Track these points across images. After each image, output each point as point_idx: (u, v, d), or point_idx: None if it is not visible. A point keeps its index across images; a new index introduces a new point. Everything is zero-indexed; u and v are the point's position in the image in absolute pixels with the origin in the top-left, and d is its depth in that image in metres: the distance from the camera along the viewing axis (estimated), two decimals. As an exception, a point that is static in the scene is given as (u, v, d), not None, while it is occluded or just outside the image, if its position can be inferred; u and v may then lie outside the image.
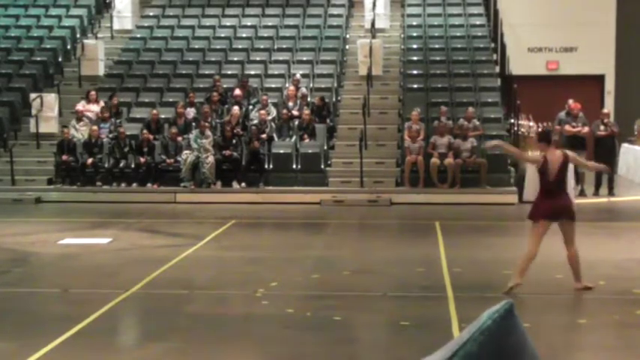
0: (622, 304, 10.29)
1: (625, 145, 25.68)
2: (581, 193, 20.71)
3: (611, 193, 21.02)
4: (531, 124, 21.53)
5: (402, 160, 20.73)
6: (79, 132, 21.68)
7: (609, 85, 27.96)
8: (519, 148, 21.14)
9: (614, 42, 27.77)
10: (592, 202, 20.10)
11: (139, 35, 26.48)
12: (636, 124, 25.82)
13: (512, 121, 21.95)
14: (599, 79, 28.00)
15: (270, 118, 21.74)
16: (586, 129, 21.38)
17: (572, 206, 11.09)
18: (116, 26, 26.89)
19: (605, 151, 21.23)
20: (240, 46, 25.42)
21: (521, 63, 26.01)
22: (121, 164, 20.91)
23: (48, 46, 25.50)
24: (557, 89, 25.94)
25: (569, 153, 11.13)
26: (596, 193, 21.03)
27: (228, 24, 26.64)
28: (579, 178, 20.80)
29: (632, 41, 27.41)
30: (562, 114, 21.73)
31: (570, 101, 21.87)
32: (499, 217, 17.83)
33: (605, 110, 23.13)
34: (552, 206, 10.76)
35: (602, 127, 21.52)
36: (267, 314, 9.76)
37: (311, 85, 23.43)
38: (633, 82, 27.18)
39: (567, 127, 21.34)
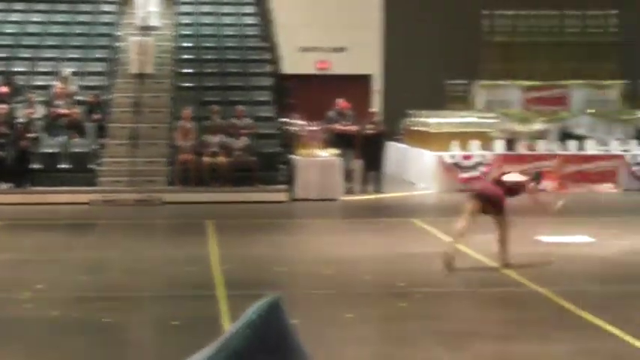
0: (387, 297, 10.62)
1: (392, 144, 26.50)
2: (349, 191, 21.21)
3: (377, 190, 21.64)
4: (302, 122, 21.87)
5: (173, 159, 20.61)
6: None
7: (376, 85, 28.79)
8: (292, 146, 21.50)
9: (380, 43, 28.62)
10: (360, 199, 20.63)
11: None
12: (402, 122, 26.71)
13: (284, 119, 22.23)
14: (367, 79, 28.80)
15: (37, 116, 21.13)
16: (355, 127, 21.93)
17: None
18: None
19: (372, 149, 21.84)
20: (4, 43, 24.56)
21: (293, 62, 26.36)
22: None
23: None
24: (328, 88, 26.44)
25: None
26: (364, 190, 21.59)
27: (-8, 19, 25.68)
28: (349, 176, 21.30)
29: (398, 42, 28.31)
30: (332, 112, 22.20)
31: (340, 100, 22.37)
32: (271, 214, 18.02)
33: (373, 109, 23.79)
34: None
35: (370, 126, 22.13)
36: (35, 318, 9.49)
37: (81, 82, 22.92)
38: (399, 82, 28.06)
39: (337, 126, 21.81)
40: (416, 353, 8.28)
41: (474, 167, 22.22)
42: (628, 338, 8.51)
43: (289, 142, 21.43)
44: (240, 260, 12.78)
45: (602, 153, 22.95)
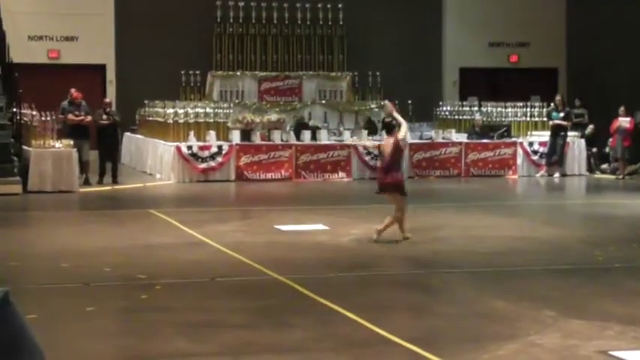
0: (128, 289, 10.51)
1: (127, 134, 26.22)
2: (86, 182, 20.83)
3: (115, 181, 21.36)
4: (34, 112, 21.20)
5: None
6: None
7: (110, 75, 28.34)
8: (24, 136, 20.83)
9: (113, 32, 28.19)
10: (96, 190, 20.30)
11: None
12: (137, 113, 26.47)
13: (14, 110, 21.49)
14: (101, 69, 28.30)
15: None
16: (89, 118, 21.52)
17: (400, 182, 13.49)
18: None
19: (107, 140, 21.54)
20: None
21: (22, 51, 25.52)
22: None
23: None
24: (60, 78, 25.79)
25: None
26: (101, 182, 21.25)
27: None
28: (84, 167, 20.89)
29: (131, 32, 27.99)
30: (65, 103, 21.67)
31: (72, 90, 21.87)
32: (4, 207, 17.40)
33: (107, 99, 23.42)
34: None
35: (104, 116, 21.77)
36: None
37: None
38: (133, 72, 27.77)
39: (70, 116, 21.32)
40: (158, 345, 8.24)
41: (211, 157, 22.34)
42: (364, 322, 8.83)
43: (21, 133, 20.77)
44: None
45: (334, 143, 23.65)
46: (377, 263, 12.24)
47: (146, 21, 28.06)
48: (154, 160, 23.65)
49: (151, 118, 25.07)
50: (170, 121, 23.23)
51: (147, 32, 28.02)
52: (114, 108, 23.27)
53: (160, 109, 24.40)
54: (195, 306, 9.76)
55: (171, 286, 10.65)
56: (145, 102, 25.95)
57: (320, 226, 15.11)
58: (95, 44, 27.90)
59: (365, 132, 24.23)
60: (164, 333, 8.62)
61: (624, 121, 23.89)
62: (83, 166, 20.88)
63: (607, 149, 25.16)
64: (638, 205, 18.54)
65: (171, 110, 23.51)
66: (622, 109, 24.02)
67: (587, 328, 8.64)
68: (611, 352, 7.80)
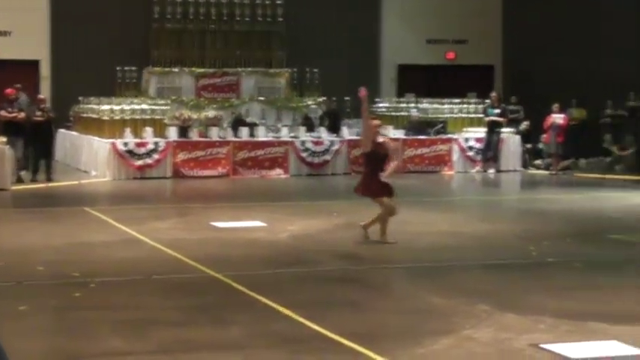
0: (62, 287, 10.39)
1: (62, 131, 25.92)
2: (19, 180, 20.57)
3: (49, 178, 21.12)
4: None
5: None
6: None
7: (45, 71, 28.01)
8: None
9: (48, 28, 27.85)
10: (30, 188, 20.05)
11: None
12: (72, 109, 26.19)
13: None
14: (35, 65, 27.95)
15: None
16: (22, 114, 21.25)
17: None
18: None
19: (42, 137, 21.29)
20: None
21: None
22: None
23: None
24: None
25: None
26: (35, 179, 21.01)
27: None
28: (18, 164, 20.63)
29: (67, 27, 27.69)
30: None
31: (9, 89, 21.64)
32: None
33: (42, 96, 23.16)
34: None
35: (38, 113, 21.51)
36: None
37: None
38: (68, 68, 27.47)
39: (3, 113, 21.05)
40: (93, 344, 8.16)
41: (147, 154, 22.19)
42: (301, 319, 8.83)
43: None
44: None
45: (272, 139, 23.62)
46: (314, 260, 12.25)
47: (82, 16, 27.76)
48: (89, 157, 23.42)
49: (86, 115, 24.82)
50: (106, 117, 23.03)
51: (82, 28, 27.74)
52: (48, 105, 23.00)
53: (95, 106, 24.17)
54: (131, 304, 9.69)
55: (106, 284, 10.56)
56: (80, 98, 25.68)
57: (257, 223, 15.08)
58: (29, 40, 27.55)
59: (303, 129, 24.23)
60: (99, 331, 8.54)
61: (558, 118, 24.20)
62: (17, 163, 20.60)
63: (541, 145, 25.46)
64: (572, 200, 18.79)
65: (106, 107, 23.30)
66: (556, 105, 24.33)
67: (520, 322, 8.74)
68: (543, 345, 7.90)
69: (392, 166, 13.20)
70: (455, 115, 25.77)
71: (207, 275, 11.02)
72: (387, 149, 13.26)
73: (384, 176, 13.00)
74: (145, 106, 23.39)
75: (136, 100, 24.01)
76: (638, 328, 8.50)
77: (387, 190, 13.22)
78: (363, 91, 13.07)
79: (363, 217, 15.51)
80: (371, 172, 13.20)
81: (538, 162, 25.39)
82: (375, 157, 13.11)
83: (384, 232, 13.22)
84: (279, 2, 27.50)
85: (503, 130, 24.65)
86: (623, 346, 7.91)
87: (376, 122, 13.45)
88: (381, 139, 13.35)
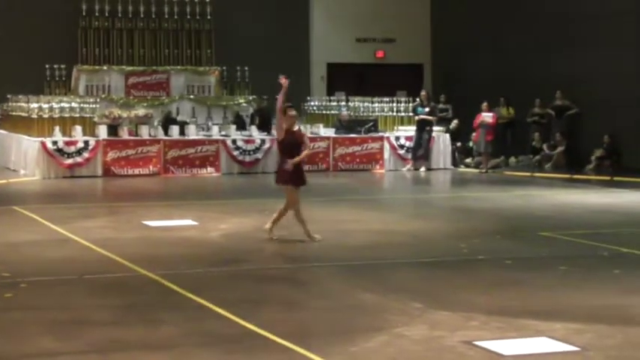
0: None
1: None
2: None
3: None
4: None
5: None
6: None
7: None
8: None
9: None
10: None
11: None
12: (0, 107, 25.86)
13: None
14: None
15: None
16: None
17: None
18: None
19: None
20: None
21: None
22: None
23: None
24: None
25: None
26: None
27: None
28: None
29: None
30: None
31: None
32: None
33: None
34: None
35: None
36: None
37: None
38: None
39: None
40: (24, 345, 8.08)
41: (77, 153, 21.97)
42: (234, 318, 8.84)
43: None
44: None
45: (203, 138, 23.54)
46: (246, 258, 12.24)
47: (9, 13, 27.39)
48: (18, 155, 23.13)
49: (14, 113, 24.50)
50: (34, 115, 22.76)
51: (10, 25, 27.36)
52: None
53: (23, 104, 23.86)
54: (62, 304, 9.60)
55: (36, 284, 10.45)
56: (8, 96, 25.34)
57: (189, 222, 15.04)
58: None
59: (233, 127, 24.19)
60: (30, 332, 8.46)
61: (487, 116, 24.46)
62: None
63: (470, 143, 25.72)
64: (501, 197, 19.02)
65: (35, 105, 23.01)
66: (485, 104, 24.59)
67: (452, 319, 8.83)
68: (475, 342, 8.00)
69: (302, 154, 13.19)
70: (385, 114, 25.91)
71: (139, 274, 10.96)
72: (300, 138, 13.29)
73: (291, 162, 13.00)
74: (74, 105, 23.14)
75: (65, 99, 23.74)
76: (568, 325, 8.64)
77: (296, 179, 13.18)
78: (283, 78, 13.06)
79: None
80: (282, 159, 13.25)
81: (468, 160, 25.66)
82: (289, 145, 13.12)
83: (273, 224, 13.24)
84: (207, 0, 27.42)
85: (434, 128, 24.85)
86: (553, 342, 8.04)
87: (293, 112, 13.39)
88: (295, 128, 13.36)
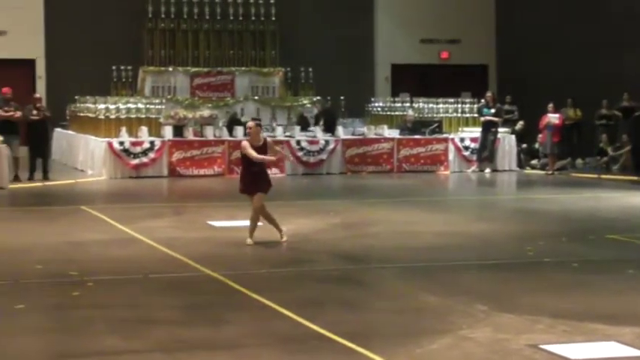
0: (60, 286, 10.39)
1: (58, 130, 25.91)
2: (16, 178, 20.54)
3: (45, 177, 21.10)
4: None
5: None
6: None
7: (40, 70, 27.98)
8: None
9: (43, 27, 27.80)
10: (27, 187, 20.03)
11: None
12: (68, 108, 26.19)
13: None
14: (31, 64, 27.92)
15: None
16: (18, 113, 21.21)
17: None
18: None
19: (38, 136, 21.28)
20: None
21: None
22: None
23: None
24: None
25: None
26: (31, 178, 20.99)
27: None
28: (15, 163, 20.59)
29: (62, 27, 27.65)
30: (-5, 98, 21.38)
31: (5, 88, 21.60)
32: None
33: (37, 95, 23.14)
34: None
35: (34, 112, 21.49)
36: None
37: None
38: (64, 67, 27.45)
39: (0, 112, 21.02)
40: (89, 343, 8.16)
41: (143, 153, 22.18)
42: (298, 318, 8.84)
43: None
44: None
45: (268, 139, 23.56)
46: (310, 259, 12.25)
47: (77, 16, 27.75)
48: (86, 156, 23.41)
49: (82, 114, 24.82)
50: (101, 116, 23.03)
51: (77, 27, 27.72)
52: (44, 104, 22.99)
53: (91, 105, 24.17)
54: (128, 303, 9.69)
55: (103, 283, 10.56)
56: (76, 97, 25.67)
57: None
58: (24, 39, 27.51)
59: (297, 128, 24.23)
60: (96, 330, 8.55)
61: (553, 117, 24.21)
62: (14, 162, 20.57)
63: (536, 145, 25.47)
64: (568, 200, 18.80)
65: (102, 106, 23.29)
66: (551, 105, 24.33)
67: (517, 322, 8.75)
68: (541, 346, 7.91)
69: (269, 155, 13.23)
70: (450, 115, 25.77)
71: (203, 274, 11.02)
72: (263, 144, 13.18)
73: (256, 157, 12.97)
74: (140, 105, 23.38)
75: (131, 100, 24.00)
76: (636, 329, 8.51)
77: (265, 185, 13.23)
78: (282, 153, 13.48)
79: (360, 217, 15.54)
80: (245, 168, 13.30)
81: (534, 162, 25.41)
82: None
83: (251, 233, 13.13)
84: (271, 1, 27.52)
85: (499, 129, 24.65)
86: (622, 347, 7.92)
87: (251, 123, 13.48)
88: (261, 143, 13.22)
